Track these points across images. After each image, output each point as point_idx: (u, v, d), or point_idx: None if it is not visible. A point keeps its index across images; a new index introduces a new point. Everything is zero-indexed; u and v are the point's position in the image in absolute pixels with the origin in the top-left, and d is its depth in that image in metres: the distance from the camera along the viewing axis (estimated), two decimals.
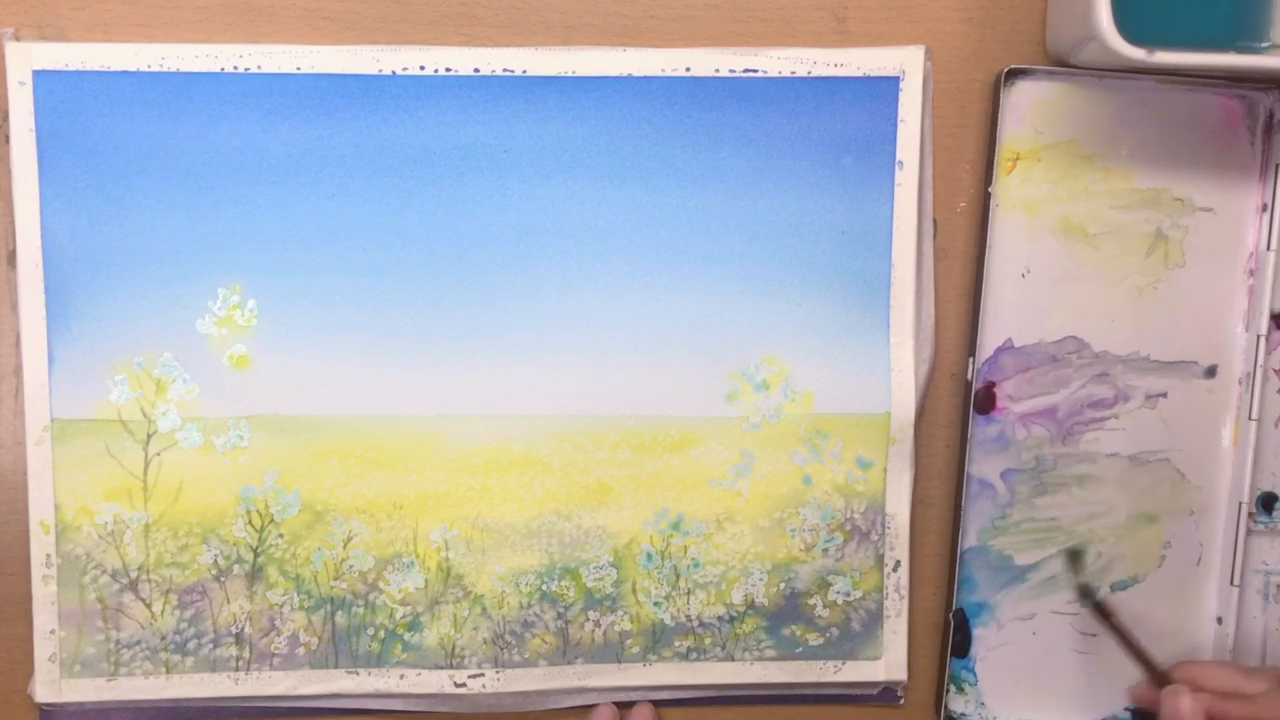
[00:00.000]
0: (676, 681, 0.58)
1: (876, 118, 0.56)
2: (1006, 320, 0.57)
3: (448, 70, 0.54)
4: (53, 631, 0.55)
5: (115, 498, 0.55)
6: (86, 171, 0.53)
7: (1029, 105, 0.56)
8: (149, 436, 0.55)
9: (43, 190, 0.53)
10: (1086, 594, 0.56)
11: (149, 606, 0.55)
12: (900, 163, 0.56)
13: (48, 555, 0.55)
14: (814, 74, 0.55)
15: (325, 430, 0.55)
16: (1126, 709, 0.60)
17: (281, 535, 0.56)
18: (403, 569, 0.56)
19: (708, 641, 0.58)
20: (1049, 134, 0.56)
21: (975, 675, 0.59)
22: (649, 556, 0.57)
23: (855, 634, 0.58)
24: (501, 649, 0.57)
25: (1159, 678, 0.53)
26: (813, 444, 0.57)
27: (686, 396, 0.56)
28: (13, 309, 0.54)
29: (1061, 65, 0.56)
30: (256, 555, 0.56)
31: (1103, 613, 0.55)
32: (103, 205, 0.53)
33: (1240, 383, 0.58)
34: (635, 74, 0.55)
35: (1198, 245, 0.58)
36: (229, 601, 0.56)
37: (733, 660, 0.58)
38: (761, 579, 0.57)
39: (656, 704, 0.58)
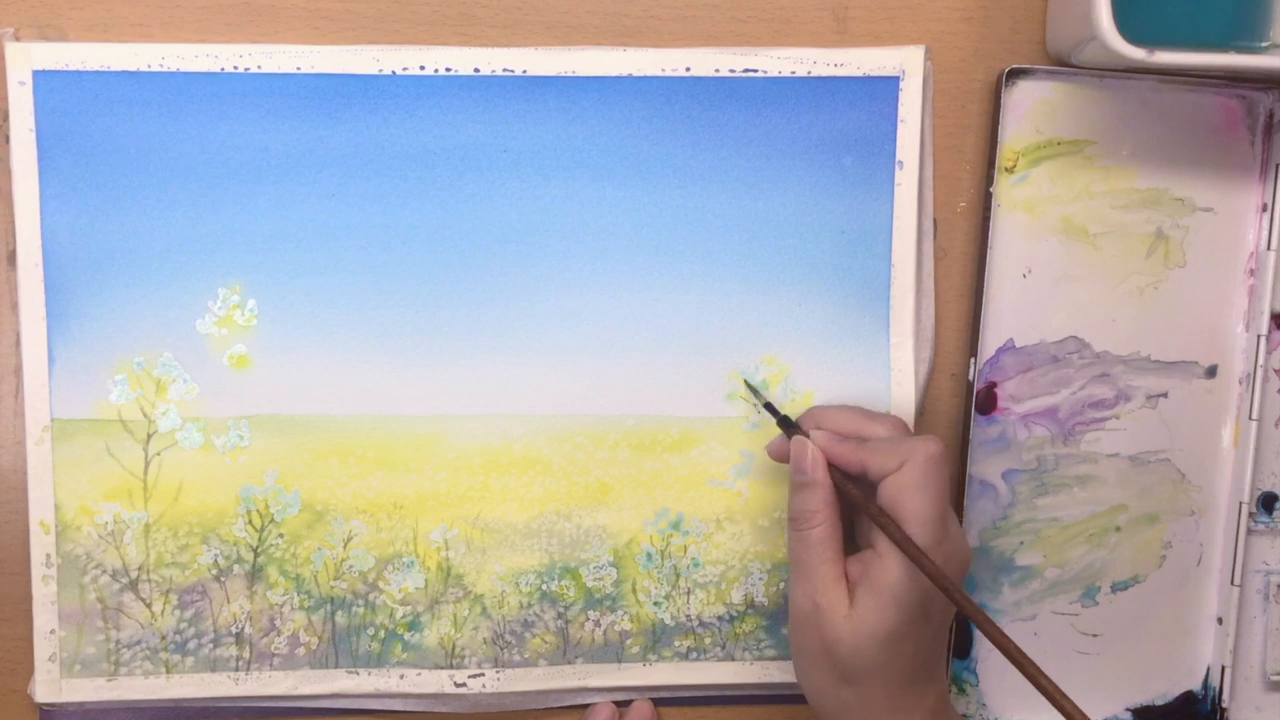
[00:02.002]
0: (676, 681, 0.58)
1: (876, 118, 0.56)
2: (1007, 320, 0.57)
3: (448, 70, 0.54)
4: (53, 631, 0.55)
5: (115, 498, 0.55)
6: (86, 171, 0.53)
7: (1029, 105, 0.56)
8: (149, 436, 0.55)
9: (43, 190, 0.53)
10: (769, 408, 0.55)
11: (149, 606, 0.55)
12: (900, 163, 0.56)
13: (48, 555, 0.55)
14: (814, 74, 0.55)
15: (325, 430, 0.55)
16: (1127, 709, 0.60)
17: (281, 535, 0.56)
18: (403, 569, 0.56)
19: (708, 641, 0.58)
20: (1049, 134, 0.56)
21: (977, 676, 0.59)
22: (649, 556, 0.57)
23: None
24: (501, 649, 0.57)
25: (789, 430, 0.53)
26: None
27: (686, 396, 0.56)
28: (13, 309, 0.54)
29: (1062, 65, 0.56)
30: (256, 555, 0.56)
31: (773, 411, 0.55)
32: (103, 205, 0.53)
33: (1241, 383, 0.58)
34: (635, 74, 0.55)
35: (1198, 245, 0.58)
36: (229, 601, 0.56)
37: (733, 660, 0.58)
38: (761, 579, 0.57)
39: (656, 703, 0.58)
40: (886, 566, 0.48)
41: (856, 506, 0.51)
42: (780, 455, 0.54)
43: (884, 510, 0.49)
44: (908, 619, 0.48)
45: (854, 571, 0.50)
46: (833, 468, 0.51)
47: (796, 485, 0.51)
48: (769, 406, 0.55)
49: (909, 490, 0.48)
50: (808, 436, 0.52)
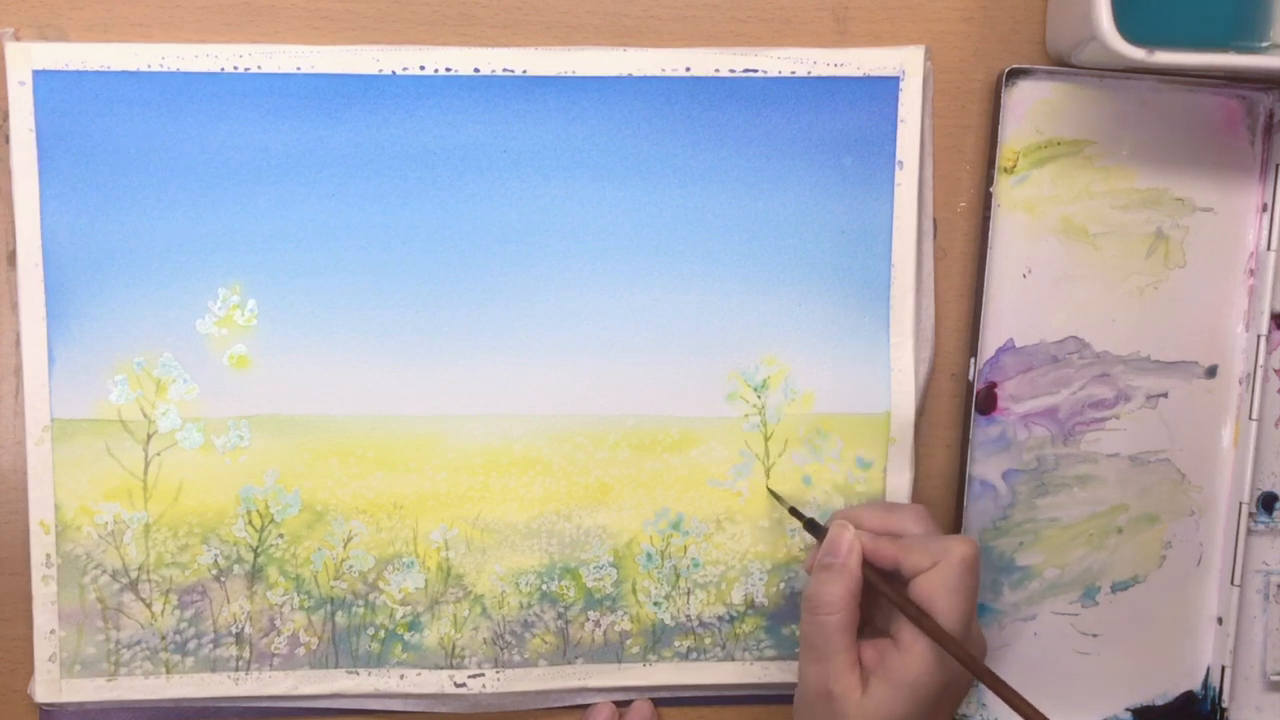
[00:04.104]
0: (676, 681, 0.58)
1: (876, 118, 0.56)
2: (1007, 320, 0.57)
3: (448, 70, 0.54)
4: (53, 631, 0.55)
5: (115, 498, 0.55)
6: (86, 171, 0.53)
7: (1029, 105, 0.56)
8: (149, 436, 0.55)
9: (43, 190, 0.53)
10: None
11: (149, 606, 0.55)
12: (900, 163, 0.56)
13: (48, 555, 0.55)
14: (814, 74, 0.55)
15: (325, 430, 0.55)
16: (1127, 709, 0.60)
17: (281, 535, 0.56)
18: (403, 569, 0.56)
19: (708, 641, 0.58)
20: (1049, 134, 0.56)
21: None
22: (649, 556, 0.57)
23: None
24: (501, 649, 0.57)
25: (821, 535, 0.53)
26: (813, 444, 0.57)
27: (686, 396, 0.56)
28: (13, 309, 0.54)
29: (1062, 65, 0.56)
30: (256, 555, 0.56)
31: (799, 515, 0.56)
32: (103, 205, 0.53)
33: (1240, 383, 0.58)
34: (635, 74, 0.55)
35: (1198, 245, 0.58)
36: (229, 601, 0.56)
37: (733, 660, 0.58)
38: (761, 579, 0.57)
39: (656, 703, 0.58)
40: (909, 661, 0.48)
41: (886, 599, 0.51)
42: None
43: (919, 606, 0.49)
44: (920, 712, 0.49)
45: (868, 658, 0.50)
46: (864, 561, 0.51)
47: (822, 567, 0.51)
48: (794, 511, 0.55)
49: (941, 590, 0.49)
50: (844, 525, 0.52)
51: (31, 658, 0.55)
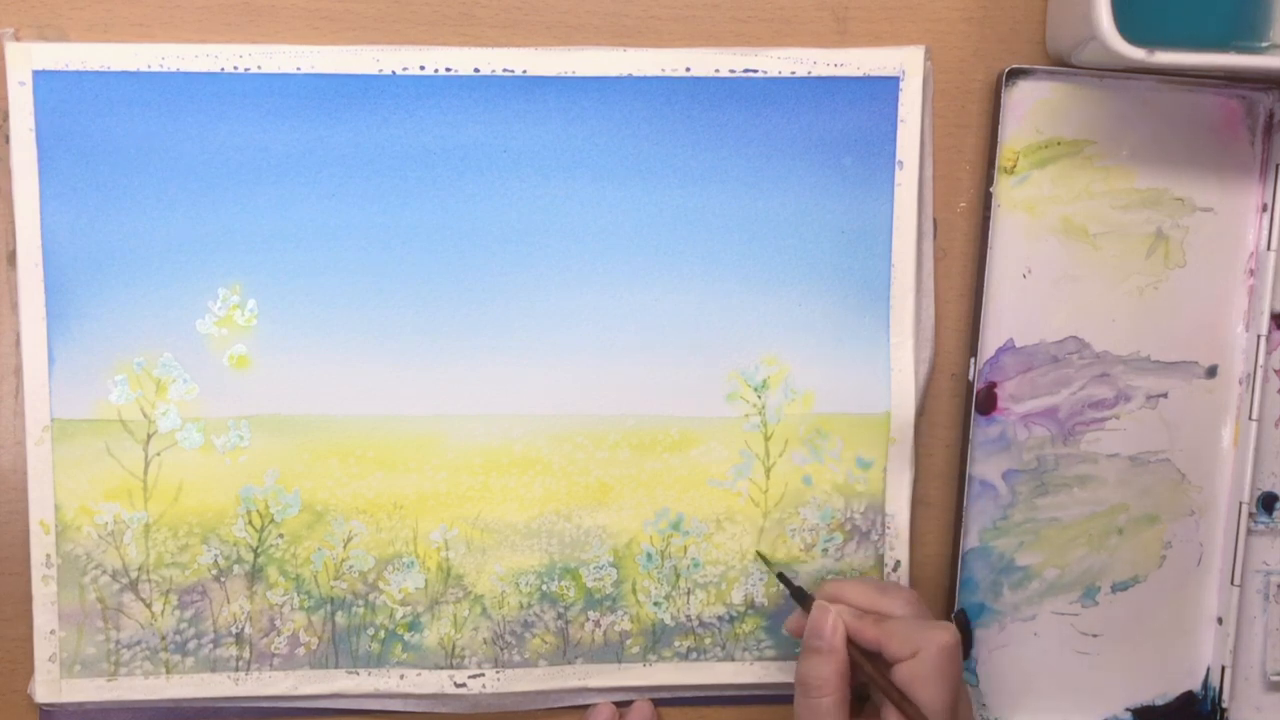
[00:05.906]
0: (676, 681, 0.58)
1: (876, 118, 0.56)
2: (1007, 320, 0.57)
3: (448, 70, 0.54)
4: (53, 631, 0.55)
5: (115, 498, 0.55)
6: (86, 171, 0.53)
7: (1029, 105, 0.56)
8: (149, 436, 0.55)
9: (43, 190, 0.53)
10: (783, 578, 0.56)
11: (149, 606, 0.55)
12: (900, 163, 0.56)
13: (48, 555, 0.55)
14: (814, 74, 0.55)
15: (325, 430, 0.55)
16: (1127, 709, 0.60)
17: (281, 535, 0.56)
18: (403, 569, 0.56)
19: (708, 641, 0.58)
20: (1049, 134, 0.56)
21: (976, 676, 0.59)
22: (649, 556, 0.57)
23: None
24: (501, 649, 0.57)
25: (806, 605, 0.54)
26: (813, 444, 0.57)
27: (686, 396, 0.56)
28: (13, 309, 0.54)
29: (1062, 65, 0.56)
30: (256, 555, 0.56)
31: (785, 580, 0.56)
32: (103, 205, 0.53)
33: (1241, 383, 0.58)
34: (635, 74, 0.55)
35: (1198, 245, 0.58)
36: (229, 601, 0.56)
37: (733, 660, 0.58)
38: (761, 579, 0.57)
39: (656, 703, 0.58)
40: None
41: (870, 681, 0.51)
42: (797, 631, 0.54)
43: (900, 691, 0.50)
44: None
45: None
46: (849, 641, 0.52)
47: (811, 649, 0.52)
48: (782, 577, 0.55)
49: (921, 680, 0.49)
50: (825, 607, 0.53)
51: (31, 658, 0.55)
